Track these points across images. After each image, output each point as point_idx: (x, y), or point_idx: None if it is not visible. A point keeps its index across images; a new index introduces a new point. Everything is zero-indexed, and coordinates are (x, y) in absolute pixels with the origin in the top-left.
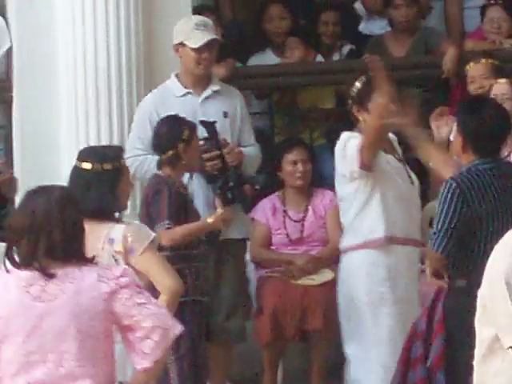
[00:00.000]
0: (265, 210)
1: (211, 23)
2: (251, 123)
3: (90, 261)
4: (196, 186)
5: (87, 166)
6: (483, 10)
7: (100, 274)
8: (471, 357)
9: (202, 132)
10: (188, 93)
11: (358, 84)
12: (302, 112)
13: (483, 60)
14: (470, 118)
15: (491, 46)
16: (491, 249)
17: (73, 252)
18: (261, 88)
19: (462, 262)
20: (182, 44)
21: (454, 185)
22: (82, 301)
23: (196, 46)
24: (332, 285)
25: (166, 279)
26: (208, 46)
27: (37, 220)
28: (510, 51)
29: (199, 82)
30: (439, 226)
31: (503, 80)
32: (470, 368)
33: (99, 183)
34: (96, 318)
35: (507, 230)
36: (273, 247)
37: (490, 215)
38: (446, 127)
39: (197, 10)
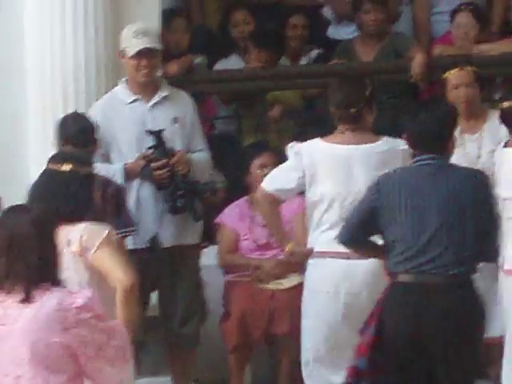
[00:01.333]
0: (232, 215)
1: (153, 31)
2: (202, 128)
3: (59, 284)
4: (145, 194)
5: (66, 167)
6: (452, 15)
7: (60, 302)
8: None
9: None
10: (136, 99)
11: (368, 86)
12: (270, 116)
13: (466, 67)
14: (412, 117)
15: (459, 51)
16: (404, 246)
17: (47, 275)
18: (227, 92)
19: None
20: (122, 51)
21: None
22: (37, 328)
23: (130, 54)
24: (299, 289)
25: (116, 273)
26: (146, 53)
27: (15, 241)
28: (478, 57)
29: (146, 88)
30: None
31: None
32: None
33: (78, 186)
34: (52, 347)
35: (419, 227)
36: (240, 252)
37: (402, 210)
38: None
39: (166, 14)
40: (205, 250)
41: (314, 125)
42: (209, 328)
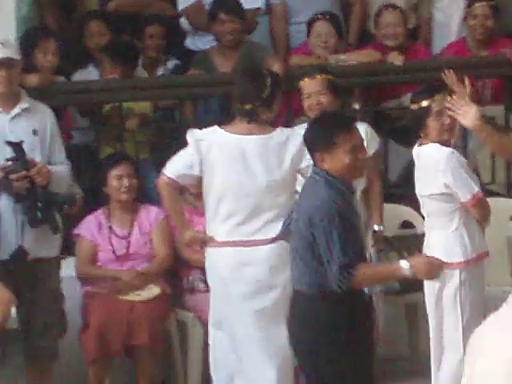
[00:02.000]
0: (90, 227)
1: (11, 41)
2: (62, 140)
3: None
4: (4, 206)
5: None
6: (310, 25)
7: None
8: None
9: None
10: None
11: (267, 86)
12: (128, 127)
13: (319, 75)
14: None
15: (316, 61)
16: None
17: None
18: (84, 103)
19: None
20: None
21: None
22: None
23: None
24: (159, 300)
25: None
26: (4, 63)
27: None
28: (334, 67)
29: (6, 100)
30: None
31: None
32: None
33: None
34: None
35: None
36: (99, 263)
37: None
38: None
39: (20, 22)
40: (63, 261)
41: (171, 136)
42: (68, 340)
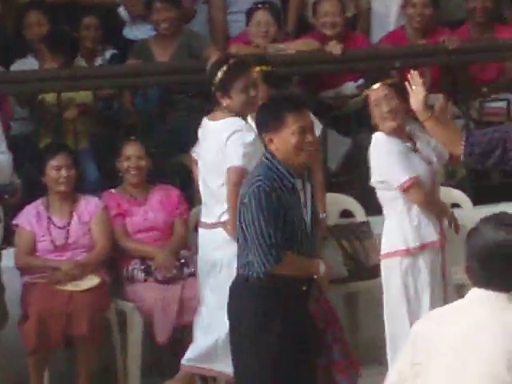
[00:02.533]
0: (29, 217)
1: None
2: (2, 130)
3: None
4: None
5: None
6: (249, 14)
7: None
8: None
9: None
10: None
11: (219, 73)
12: (66, 117)
13: (257, 67)
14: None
15: (255, 50)
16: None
17: None
18: (23, 93)
19: None
20: None
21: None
22: None
23: None
24: (98, 290)
25: None
26: None
27: None
28: (274, 56)
29: None
30: None
31: (377, 85)
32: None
33: None
34: None
35: None
36: (38, 254)
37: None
38: None
39: None
40: (3, 251)
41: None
42: (8, 330)
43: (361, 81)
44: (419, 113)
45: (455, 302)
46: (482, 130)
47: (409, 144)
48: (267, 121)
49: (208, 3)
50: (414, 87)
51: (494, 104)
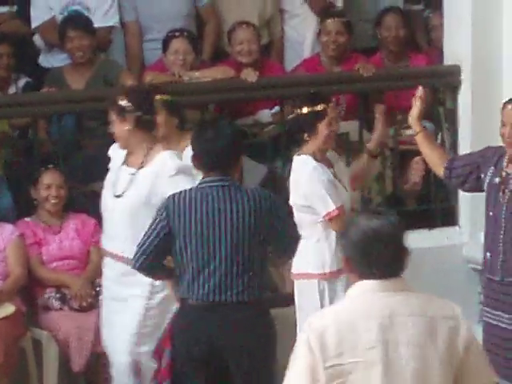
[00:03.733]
0: None
1: None
2: None
3: None
4: None
5: None
6: (166, 42)
7: None
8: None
9: None
10: None
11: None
12: None
13: (157, 96)
14: (196, 137)
15: (170, 78)
16: (194, 269)
17: None
18: None
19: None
20: None
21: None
22: None
23: None
24: (13, 318)
25: None
26: None
27: None
28: (189, 84)
29: None
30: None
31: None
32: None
33: None
34: None
35: (208, 252)
36: None
37: (192, 237)
38: None
39: None
40: None
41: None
42: None
43: (276, 108)
44: (414, 123)
45: (345, 298)
46: (466, 154)
47: (331, 170)
48: None
49: (124, 31)
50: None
51: (409, 131)
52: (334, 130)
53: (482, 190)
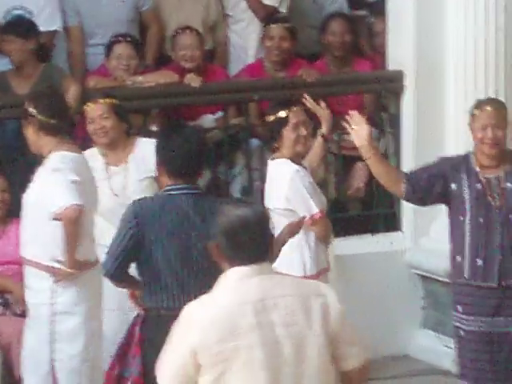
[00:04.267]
0: None
1: None
2: None
3: None
4: None
5: None
6: (109, 47)
7: None
8: None
9: None
10: None
11: None
12: None
13: (101, 100)
14: (162, 143)
15: (114, 83)
16: (167, 281)
17: None
18: None
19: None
20: None
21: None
22: None
23: None
24: None
25: None
26: None
27: None
28: (132, 88)
29: None
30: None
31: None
32: None
33: None
34: None
35: (180, 259)
36: None
37: (159, 241)
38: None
39: None
40: None
41: None
42: None
43: (219, 113)
44: (363, 149)
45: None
46: (422, 167)
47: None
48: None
49: (66, 36)
50: (354, 126)
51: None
52: (302, 134)
53: (447, 202)
